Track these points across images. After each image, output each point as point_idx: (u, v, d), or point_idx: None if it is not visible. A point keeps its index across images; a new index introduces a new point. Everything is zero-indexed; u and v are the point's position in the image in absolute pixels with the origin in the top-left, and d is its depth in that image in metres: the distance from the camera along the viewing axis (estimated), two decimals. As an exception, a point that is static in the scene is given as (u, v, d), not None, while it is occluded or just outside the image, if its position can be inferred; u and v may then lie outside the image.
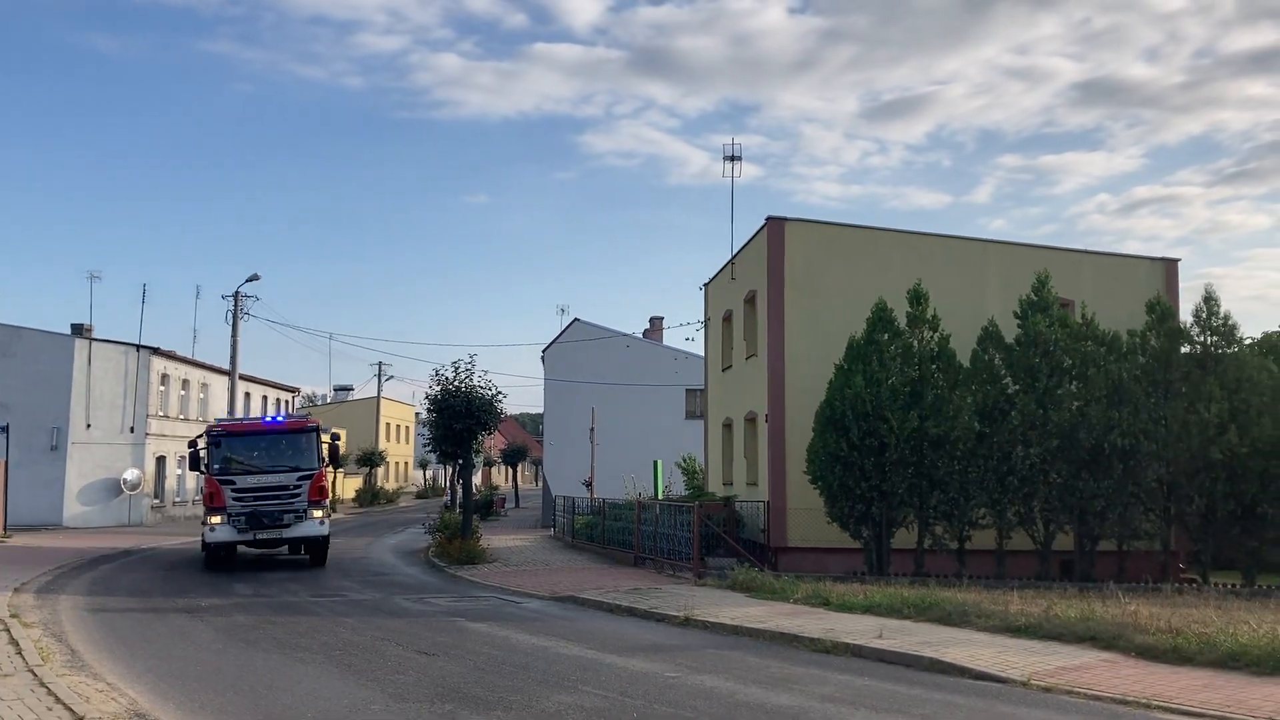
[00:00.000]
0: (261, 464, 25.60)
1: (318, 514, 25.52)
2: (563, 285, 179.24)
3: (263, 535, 25.14)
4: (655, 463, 32.93)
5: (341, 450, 27.65)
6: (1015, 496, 22.93)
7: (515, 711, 9.44)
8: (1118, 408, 22.77)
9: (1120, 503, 22.76)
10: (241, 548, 26.31)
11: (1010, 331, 23.91)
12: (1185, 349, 23.94)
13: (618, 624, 16.24)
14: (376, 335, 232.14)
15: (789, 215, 27.70)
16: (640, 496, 29.27)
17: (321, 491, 25.81)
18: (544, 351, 52.79)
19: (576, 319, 53.21)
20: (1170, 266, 28.42)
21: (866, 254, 27.14)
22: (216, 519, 24.80)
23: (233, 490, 24.97)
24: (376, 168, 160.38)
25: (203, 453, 25.80)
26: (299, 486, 25.32)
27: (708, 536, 24.51)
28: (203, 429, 28.64)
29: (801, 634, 13.86)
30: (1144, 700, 9.81)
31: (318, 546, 26.36)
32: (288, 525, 25.14)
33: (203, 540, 26.04)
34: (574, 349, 50.17)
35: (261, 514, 24.82)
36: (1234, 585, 22.00)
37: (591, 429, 46.07)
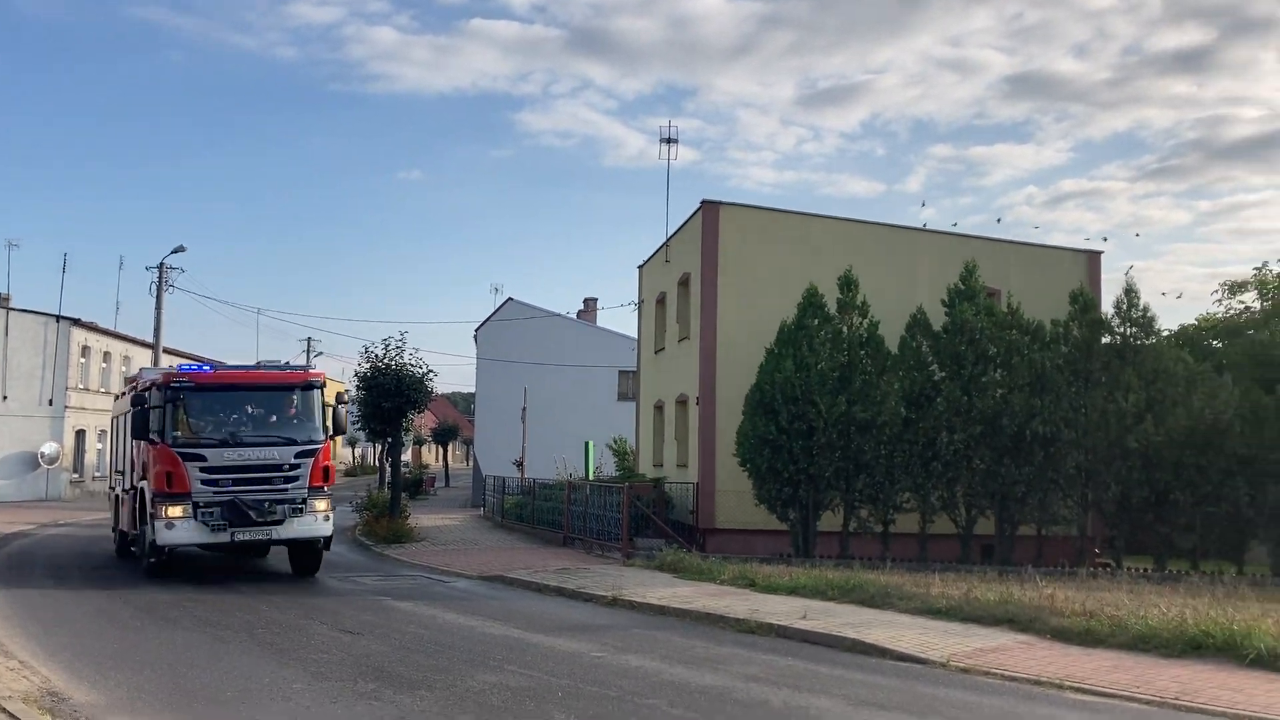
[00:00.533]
0: (244, 432, 18.14)
1: (321, 506, 18.14)
2: (497, 264, 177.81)
3: (245, 536, 17.65)
4: (586, 444, 32.95)
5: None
6: (939, 481, 23.37)
7: (439, 691, 9.40)
8: (1040, 396, 23.28)
9: (1040, 489, 23.32)
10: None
11: (938, 319, 24.32)
12: (1106, 339, 24.55)
13: (545, 604, 16.25)
14: (306, 311, 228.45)
15: (724, 199, 27.87)
16: (571, 477, 29.27)
17: (326, 475, 18.49)
18: (477, 330, 52.45)
19: (510, 298, 52.95)
20: (1093, 258, 29.14)
21: (799, 240, 27.37)
22: (175, 510, 17.14)
23: (202, 469, 17.35)
24: (309, 140, 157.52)
25: (154, 412, 17.98)
26: (297, 466, 17.93)
27: (637, 517, 24.60)
28: (149, 378, 19.69)
29: (727, 615, 14.00)
30: (1057, 681, 10.07)
31: (313, 552, 18.90)
32: (280, 521, 17.64)
33: (144, 540, 18.06)
34: (507, 328, 49.91)
35: (246, 504, 17.35)
36: (1146, 570, 22.69)
37: (523, 409, 45.93)
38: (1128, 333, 24.49)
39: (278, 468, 17.87)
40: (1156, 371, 23.82)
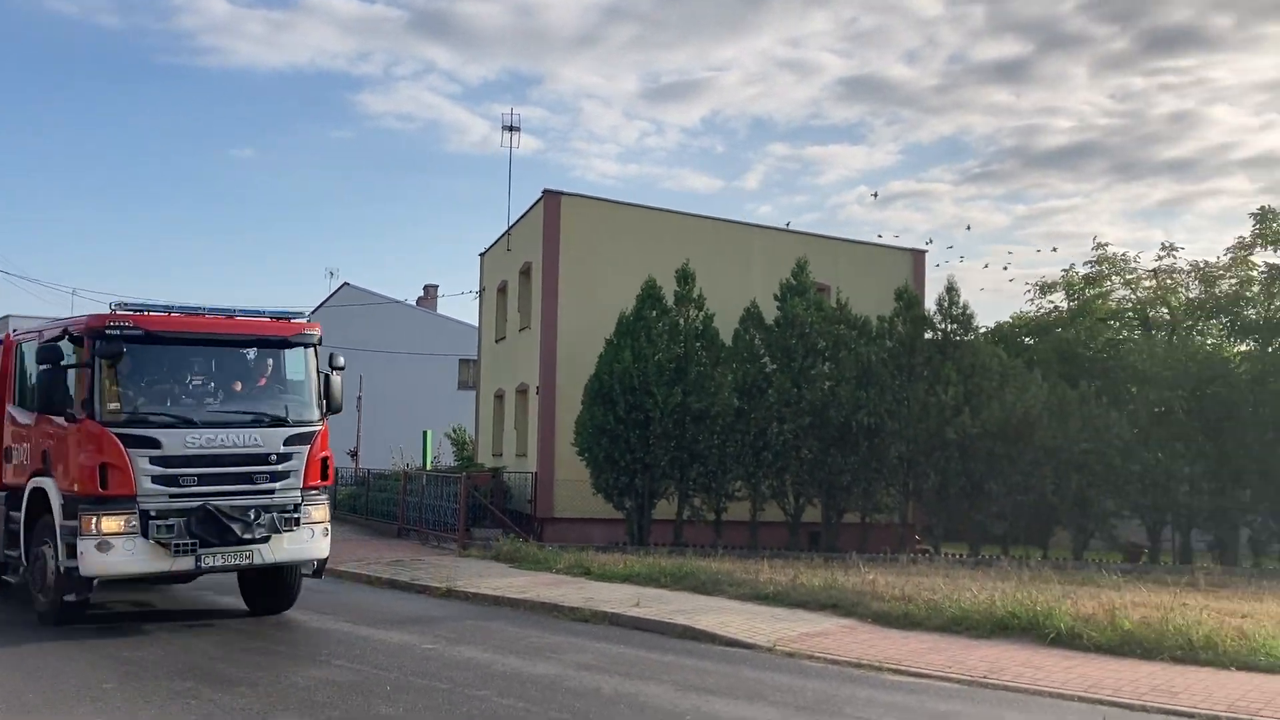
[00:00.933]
0: (211, 406, 12.68)
1: (319, 515, 12.95)
2: (333, 247, 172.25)
3: (217, 561, 12.10)
4: (424, 433, 32.53)
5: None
6: (769, 470, 24.03)
7: (261, 688, 9.13)
8: (865, 388, 24.18)
9: (865, 478, 24.24)
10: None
11: (770, 313, 24.97)
12: (928, 335, 25.70)
13: (376, 596, 15.96)
14: (127, 292, 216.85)
15: (567, 190, 27.94)
16: (407, 467, 28.81)
17: (325, 469, 13.18)
18: (310, 315, 50.99)
19: (346, 283, 51.72)
20: (918, 257, 30.48)
21: (639, 232, 27.65)
22: (113, 523, 11.58)
23: (155, 461, 11.88)
24: (133, 114, 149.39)
25: (76, 374, 12.09)
26: (288, 458, 12.69)
27: (474, 507, 24.41)
28: (70, 318, 13.28)
29: (562, 603, 14.05)
30: (876, 663, 10.51)
31: (291, 580, 13.40)
32: (263, 539, 12.26)
33: (41, 568, 12.31)
34: (343, 314, 48.67)
35: (225, 514, 11.98)
36: (961, 555, 23.93)
37: (359, 397, 44.94)
38: (948, 329, 25.72)
39: (263, 459, 12.51)
40: (974, 366, 25.07)
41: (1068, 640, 11.30)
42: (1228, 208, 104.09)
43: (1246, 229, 33.22)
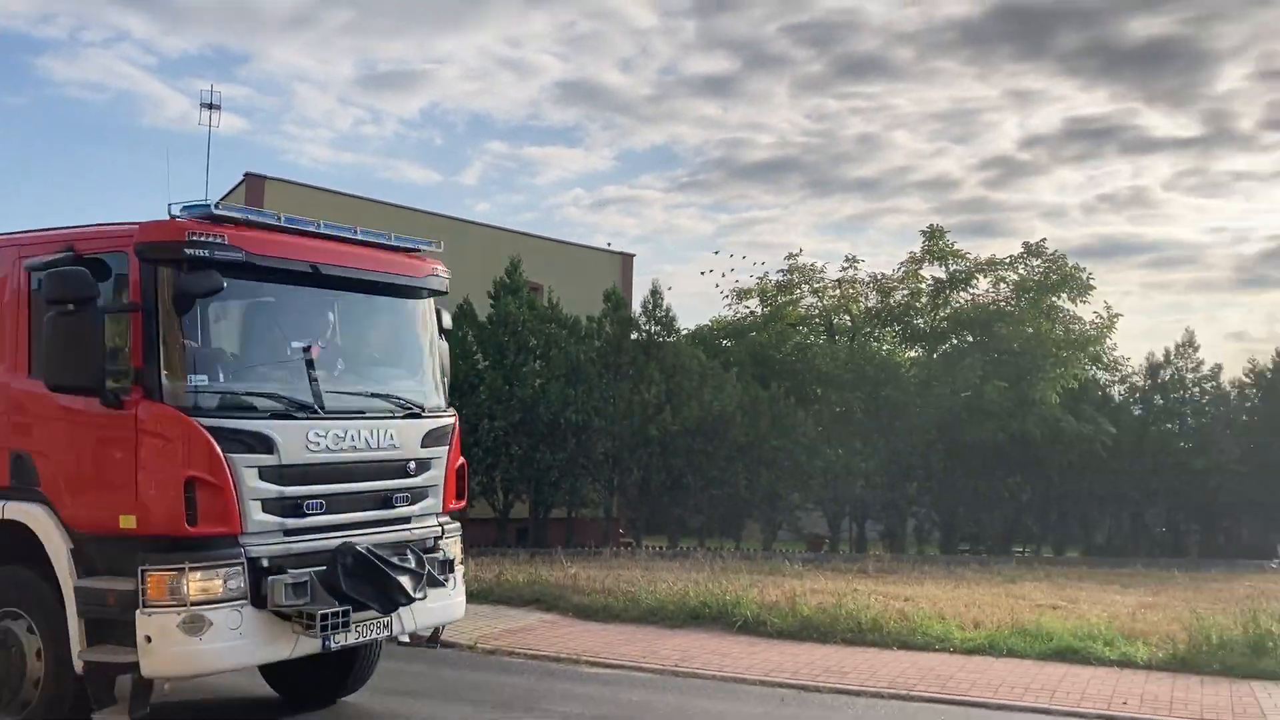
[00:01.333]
0: (324, 384, 7.62)
1: (456, 551, 8.53)
2: (10, 223, 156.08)
3: (350, 639, 7.32)
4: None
5: None
6: (479, 467, 23.98)
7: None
8: (574, 386, 24.67)
9: (572, 474, 24.74)
10: None
11: (484, 310, 24.98)
12: (634, 336, 26.58)
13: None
14: None
15: (275, 174, 26.65)
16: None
17: (461, 485, 8.86)
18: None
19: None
20: (627, 260, 31.48)
21: (351, 222, 26.64)
22: (211, 582, 6.63)
23: (266, 473, 6.99)
24: None
25: (117, 319, 6.95)
26: (427, 465, 8.16)
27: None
28: (84, 228, 7.50)
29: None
30: (574, 656, 10.78)
31: (372, 652, 8.78)
32: (418, 597, 7.63)
33: (33, 660, 7.03)
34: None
35: (384, 563, 7.38)
36: (661, 548, 24.90)
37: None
38: (652, 330, 26.72)
39: (400, 468, 7.96)
40: (675, 366, 26.17)
41: (753, 627, 12.02)
42: (905, 224, 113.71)
43: (918, 245, 36.10)
